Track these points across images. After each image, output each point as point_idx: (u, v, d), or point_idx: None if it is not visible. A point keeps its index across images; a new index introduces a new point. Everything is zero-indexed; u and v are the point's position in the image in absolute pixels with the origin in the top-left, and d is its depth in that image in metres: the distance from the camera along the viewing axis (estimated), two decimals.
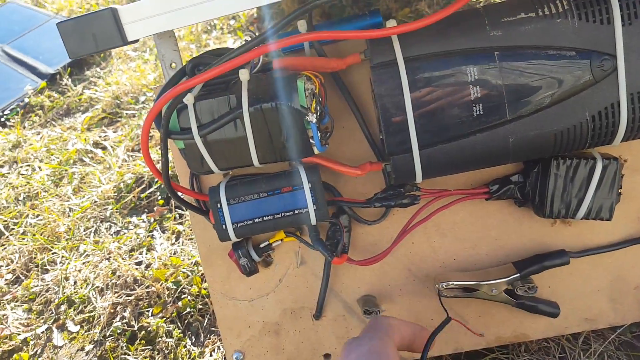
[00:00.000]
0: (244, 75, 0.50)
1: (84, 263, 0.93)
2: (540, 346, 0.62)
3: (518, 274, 0.54)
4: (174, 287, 0.82)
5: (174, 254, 0.88)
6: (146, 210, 1.01)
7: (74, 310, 0.86)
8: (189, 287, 0.82)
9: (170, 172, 0.53)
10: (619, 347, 0.60)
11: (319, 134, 0.51)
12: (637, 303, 0.58)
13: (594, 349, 0.59)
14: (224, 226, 0.55)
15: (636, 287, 0.58)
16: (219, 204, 0.54)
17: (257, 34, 0.53)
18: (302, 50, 0.56)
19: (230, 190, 0.55)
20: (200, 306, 0.79)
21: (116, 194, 1.07)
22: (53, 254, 0.98)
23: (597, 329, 0.60)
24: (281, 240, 0.60)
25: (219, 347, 0.74)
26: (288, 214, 0.55)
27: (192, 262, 0.85)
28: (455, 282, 0.56)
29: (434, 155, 0.49)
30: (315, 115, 0.49)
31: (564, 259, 0.55)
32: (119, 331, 0.79)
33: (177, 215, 0.96)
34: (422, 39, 0.47)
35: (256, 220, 0.55)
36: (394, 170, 0.50)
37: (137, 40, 0.49)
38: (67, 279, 0.92)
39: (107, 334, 0.80)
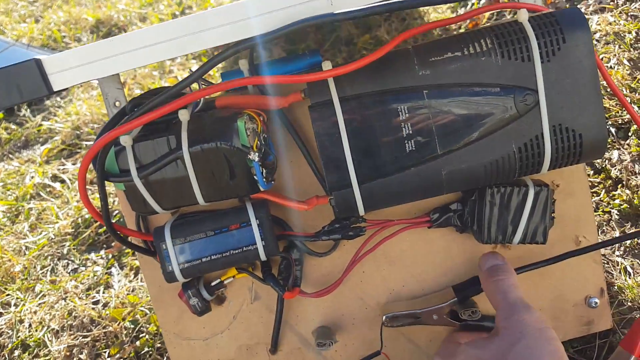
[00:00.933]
0: (183, 115, 0.51)
1: (39, 304, 0.91)
2: None
3: (456, 298, 0.56)
4: (132, 326, 0.81)
5: (132, 291, 0.87)
6: (104, 245, 1.00)
7: (28, 354, 0.83)
8: (147, 326, 0.80)
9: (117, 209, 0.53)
10: None
11: (263, 171, 0.52)
12: (576, 319, 0.61)
13: None
14: (170, 267, 0.55)
15: (575, 305, 0.60)
16: (164, 245, 0.54)
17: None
18: (246, 88, 0.57)
19: (176, 231, 0.55)
20: (159, 345, 0.78)
21: (74, 229, 1.05)
22: (7, 295, 0.96)
23: None
24: (233, 277, 0.60)
25: None
26: (237, 251, 0.55)
27: (150, 300, 0.84)
28: (397, 312, 0.57)
29: (373, 190, 0.51)
30: (257, 153, 0.50)
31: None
32: None
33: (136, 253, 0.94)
34: (356, 80, 0.49)
35: (204, 259, 0.55)
36: (336, 205, 0.52)
37: (65, 89, 0.50)
38: (21, 321, 0.89)
39: None
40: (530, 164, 0.50)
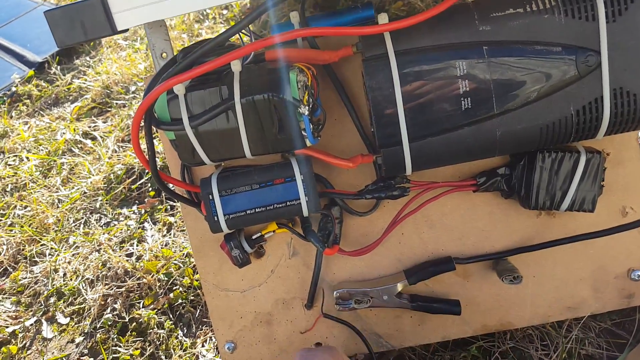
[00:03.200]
0: (236, 66, 0.50)
1: (73, 255, 0.93)
2: (525, 334, 0.63)
3: (406, 280, 0.58)
4: (166, 278, 0.82)
5: (166, 245, 0.88)
6: (137, 201, 1.01)
7: (63, 302, 0.86)
8: (181, 279, 0.82)
9: (161, 163, 0.54)
10: (600, 334, 0.62)
11: (311, 126, 0.51)
12: (617, 292, 0.60)
13: (575, 336, 0.61)
14: (215, 218, 0.55)
15: (616, 277, 0.60)
16: (210, 196, 0.55)
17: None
18: (295, 41, 0.57)
19: (222, 182, 0.55)
20: (192, 297, 0.80)
21: (106, 185, 1.07)
22: (42, 245, 0.98)
23: (579, 317, 0.62)
24: (273, 231, 0.61)
25: (210, 337, 0.75)
26: (280, 205, 0.55)
27: (183, 254, 0.86)
28: (349, 290, 0.59)
29: (423, 148, 0.50)
30: (307, 107, 0.50)
31: (450, 265, 0.58)
32: (109, 323, 0.80)
33: (169, 207, 0.96)
34: (413, 33, 0.48)
35: (248, 211, 0.55)
36: (385, 162, 0.51)
37: (126, 30, 0.49)
38: (56, 270, 0.92)
39: (98, 326, 0.80)
40: (587, 128, 0.49)
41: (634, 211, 0.58)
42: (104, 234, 0.95)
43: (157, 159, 0.99)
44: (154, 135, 0.52)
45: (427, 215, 0.60)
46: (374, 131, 0.50)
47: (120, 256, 0.88)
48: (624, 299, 0.61)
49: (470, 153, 0.51)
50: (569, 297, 0.61)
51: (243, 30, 0.54)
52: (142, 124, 0.51)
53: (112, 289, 0.84)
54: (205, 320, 0.77)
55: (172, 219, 0.93)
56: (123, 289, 0.83)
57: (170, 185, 0.57)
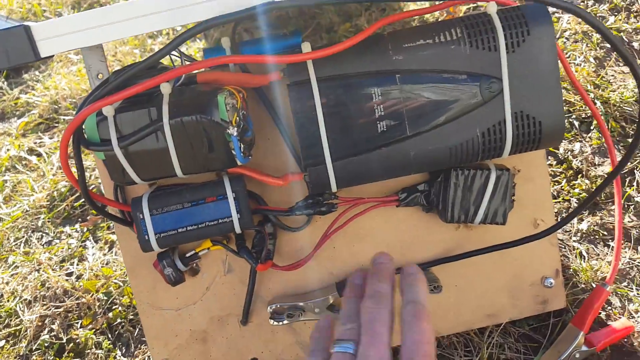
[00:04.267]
0: (165, 89, 0.52)
1: (12, 275, 0.91)
2: (450, 341, 0.67)
3: (337, 292, 0.61)
4: (105, 298, 0.82)
5: (106, 264, 0.88)
6: (80, 219, 1.00)
7: None
8: (120, 298, 0.82)
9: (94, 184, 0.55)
10: (518, 339, 0.67)
11: (242, 146, 0.54)
12: (532, 298, 0.65)
13: (495, 341, 0.65)
14: (146, 237, 0.56)
15: (531, 284, 0.64)
16: (141, 215, 0.56)
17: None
18: (227, 65, 0.59)
19: (153, 201, 0.57)
20: (132, 316, 0.80)
21: (49, 202, 1.05)
22: None
23: (499, 323, 0.66)
24: (208, 249, 0.62)
25: (148, 357, 0.75)
26: (212, 223, 0.57)
27: (124, 273, 0.85)
28: (282, 304, 0.62)
29: (345, 167, 0.53)
30: (236, 128, 0.52)
31: None
32: (46, 344, 0.78)
33: (111, 225, 0.95)
34: (333, 61, 0.52)
35: (180, 230, 0.57)
36: (311, 180, 0.54)
37: (51, 56, 0.51)
38: None
39: (34, 348, 0.78)
40: (492, 148, 0.53)
41: (544, 223, 0.63)
42: (44, 253, 0.94)
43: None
44: (86, 155, 0.53)
45: (357, 229, 0.63)
46: (300, 152, 0.53)
47: (59, 275, 0.87)
48: (539, 305, 0.65)
49: (388, 171, 0.54)
50: (489, 304, 0.65)
51: (174, 52, 0.56)
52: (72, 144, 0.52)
53: (50, 309, 0.83)
54: (144, 339, 0.77)
55: (114, 237, 0.92)
56: (61, 309, 0.82)
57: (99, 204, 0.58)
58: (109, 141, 0.52)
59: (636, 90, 0.91)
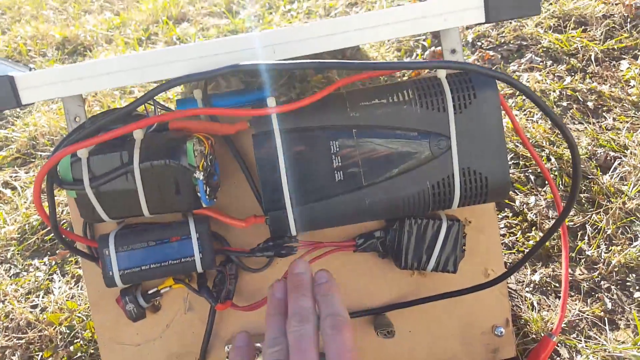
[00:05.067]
0: (137, 134, 0.56)
1: None
2: None
3: None
4: (67, 331, 0.82)
5: (72, 297, 0.88)
6: (49, 252, 1.01)
7: None
8: (83, 332, 0.82)
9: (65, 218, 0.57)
10: None
11: (206, 189, 0.57)
12: (484, 347, 0.67)
13: None
14: (110, 273, 0.58)
15: (482, 333, 0.67)
16: (107, 251, 0.58)
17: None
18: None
19: (119, 239, 0.59)
20: (92, 351, 0.80)
21: (20, 235, 1.06)
22: None
23: None
24: (170, 287, 0.64)
25: None
26: (175, 261, 0.59)
27: (88, 307, 0.86)
28: None
29: (305, 213, 0.56)
30: (202, 173, 0.55)
31: None
32: None
33: (79, 259, 0.96)
34: (296, 114, 0.56)
35: (143, 267, 0.59)
36: (271, 224, 0.57)
37: (32, 103, 0.54)
38: None
39: None
40: (442, 200, 0.57)
41: (494, 272, 0.67)
42: (11, 284, 0.94)
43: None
44: (58, 191, 0.56)
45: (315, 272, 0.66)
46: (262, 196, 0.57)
47: (24, 307, 0.87)
48: (490, 354, 0.68)
49: (345, 218, 0.58)
50: (442, 351, 0.67)
51: (149, 102, 0.60)
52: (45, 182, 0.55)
53: (12, 340, 0.82)
54: None
55: (81, 272, 0.93)
56: (23, 341, 0.82)
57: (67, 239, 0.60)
58: (81, 181, 0.55)
59: (588, 147, 0.97)
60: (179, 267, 0.59)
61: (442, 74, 0.56)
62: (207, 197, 0.57)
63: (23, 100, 0.52)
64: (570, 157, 0.93)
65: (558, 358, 0.71)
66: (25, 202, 1.14)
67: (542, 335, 0.72)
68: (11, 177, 1.27)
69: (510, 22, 1.31)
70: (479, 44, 1.29)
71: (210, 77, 0.51)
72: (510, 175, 0.93)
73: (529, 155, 0.96)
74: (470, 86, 0.56)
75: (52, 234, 1.03)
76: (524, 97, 1.10)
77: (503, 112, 0.57)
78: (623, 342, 0.70)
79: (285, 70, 1.22)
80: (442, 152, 0.56)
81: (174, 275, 0.62)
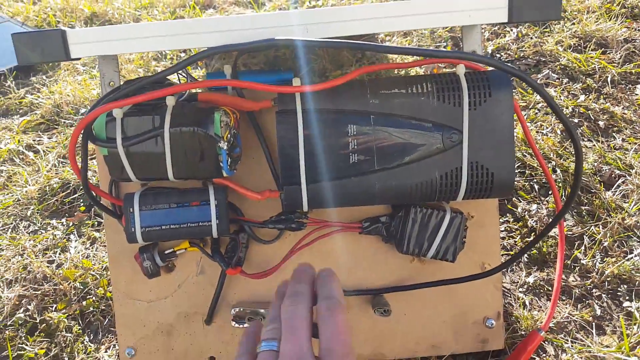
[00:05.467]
0: (170, 101, 0.60)
1: None
2: None
3: None
4: (81, 287, 0.87)
5: (87, 257, 0.93)
6: (67, 214, 1.05)
7: None
8: (96, 289, 0.86)
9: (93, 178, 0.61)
10: None
11: (229, 160, 0.61)
12: (474, 336, 0.71)
13: None
14: (133, 229, 0.62)
15: (474, 323, 0.71)
16: (131, 209, 0.62)
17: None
18: (226, 89, 0.67)
19: (144, 198, 0.63)
20: (104, 307, 0.84)
21: (40, 195, 1.11)
22: None
23: (441, 355, 0.71)
24: (185, 249, 0.68)
25: (114, 345, 0.79)
26: (193, 225, 0.63)
27: (102, 267, 0.90)
28: (245, 309, 0.67)
29: (318, 190, 0.60)
30: (226, 143, 0.59)
31: None
32: (20, 322, 0.82)
33: (96, 223, 1.01)
34: (318, 97, 0.59)
35: (163, 227, 0.63)
36: (285, 198, 0.61)
37: (79, 58, 0.58)
38: None
39: (8, 324, 0.82)
40: (448, 191, 0.60)
41: (490, 267, 0.70)
42: (30, 240, 0.98)
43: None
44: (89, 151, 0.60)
45: (322, 249, 0.70)
46: (279, 172, 0.60)
47: (41, 262, 0.92)
48: (479, 343, 0.71)
49: (355, 199, 0.61)
50: (434, 335, 0.70)
51: (181, 72, 0.64)
52: (81, 138, 0.59)
53: (28, 290, 0.87)
54: (112, 329, 0.81)
55: (97, 234, 0.98)
56: (39, 292, 0.86)
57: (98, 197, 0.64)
58: (114, 140, 0.59)
59: (595, 164, 1.00)
60: (196, 230, 0.63)
61: (461, 70, 0.60)
62: (228, 167, 0.60)
63: (72, 54, 0.57)
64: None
65: (544, 354, 0.74)
66: (47, 165, 1.19)
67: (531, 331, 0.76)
68: (34, 141, 1.32)
69: (531, 38, 1.34)
70: (498, 55, 1.32)
71: (246, 49, 0.54)
72: (516, 182, 0.97)
73: (535, 165, 0.99)
74: (487, 85, 0.59)
75: (71, 197, 1.08)
76: (536, 110, 1.13)
77: (515, 118, 0.60)
78: (608, 346, 0.73)
79: (308, 58, 1.26)
80: (453, 145, 0.59)
81: (191, 237, 0.66)
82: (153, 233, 0.63)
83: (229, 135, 0.60)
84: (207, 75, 0.67)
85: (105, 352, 0.79)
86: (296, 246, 0.67)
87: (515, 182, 0.98)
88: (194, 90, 0.65)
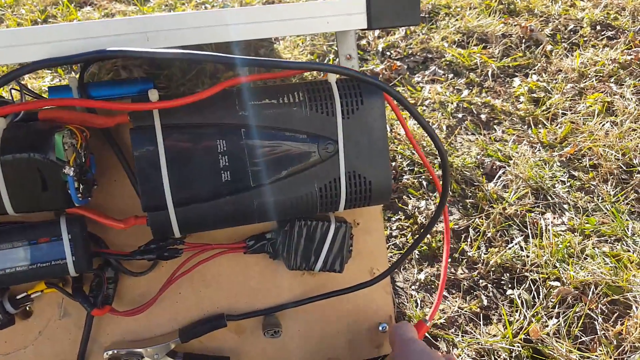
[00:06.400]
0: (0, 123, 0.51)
1: None
2: None
3: (179, 338, 0.62)
4: None
5: None
6: None
7: None
8: None
9: None
10: None
11: (79, 187, 0.53)
12: (369, 342, 0.70)
13: None
14: None
15: (368, 329, 0.69)
16: None
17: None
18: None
19: None
20: None
21: None
22: None
23: None
24: (41, 291, 0.59)
25: None
26: (44, 264, 0.55)
27: None
28: (119, 350, 0.61)
29: (189, 213, 0.54)
30: (72, 168, 0.51)
31: (221, 322, 0.63)
32: None
33: None
34: (181, 110, 0.54)
35: (7, 270, 0.54)
36: (152, 225, 0.55)
37: None
38: None
39: None
40: (329, 202, 0.58)
41: (379, 271, 0.69)
42: None
43: None
44: None
45: (204, 274, 0.64)
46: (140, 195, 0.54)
47: None
48: (374, 349, 0.70)
49: (232, 219, 0.57)
50: (330, 348, 0.68)
51: (15, 86, 0.55)
52: None
53: None
54: None
55: None
56: None
57: None
58: None
59: (477, 157, 1.04)
60: (49, 270, 0.55)
61: (332, 78, 0.57)
62: (79, 195, 0.53)
63: None
64: (459, 165, 0.99)
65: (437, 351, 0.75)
66: None
67: None
68: None
69: (419, 35, 1.38)
70: (388, 53, 1.34)
71: (74, 61, 0.47)
72: (405, 180, 0.98)
73: (421, 162, 1.01)
74: (358, 92, 0.57)
75: None
76: (423, 107, 1.16)
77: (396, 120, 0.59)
78: (495, 336, 0.76)
79: (193, 64, 1.18)
80: (330, 156, 0.57)
81: (45, 279, 0.57)
82: None
83: (76, 159, 0.52)
84: (50, 89, 0.58)
85: None
86: (173, 275, 0.61)
87: (405, 180, 0.99)
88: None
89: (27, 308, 0.61)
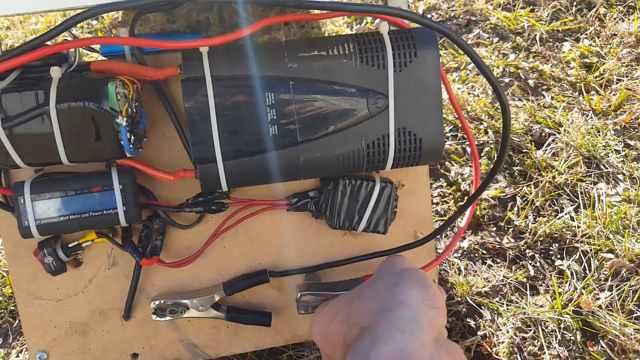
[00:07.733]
0: (55, 72, 0.51)
1: None
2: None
3: (223, 291, 0.62)
4: None
5: None
6: None
7: None
8: (2, 288, 0.77)
9: None
10: None
11: (130, 138, 0.53)
12: None
13: None
14: (26, 222, 0.54)
15: None
16: (22, 199, 0.54)
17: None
18: (123, 55, 0.59)
19: (36, 186, 0.55)
20: (13, 307, 0.76)
21: None
22: None
23: None
24: (92, 240, 0.61)
25: (27, 348, 0.71)
26: (96, 214, 0.56)
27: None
28: (165, 300, 0.62)
29: (236, 167, 0.54)
30: (125, 118, 0.52)
31: (264, 277, 0.63)
32: None
33: None
34: (230, 62, 0.53)
35: (62, 218, 0.55)
36: (201, 178, 0.55)
37: None
38: None
39: None
40: (376, 160, 0.56)
41: (423, 235, 0.68)
42: None
43: None
44: None
45: (248, 230, 0.65)
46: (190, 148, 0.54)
47: None
48: None
49: (279, 175, 0.56)
50: None
51: (67, 34, 0.55)
52: None
53: None
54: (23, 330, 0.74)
55: None
56: None
57: None
58: None
59: (525, 123, 1.00)
60: (101, 219, 0.56)
61: (384, 28, 0.55)
62: (130, 146, 0.53)
63: None
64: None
65: (480, 319, 0.74)
66: None
67: (467, 298, 0.75)
68: None
69: None
70: (429, 16, 1.29)
71: (139, 5, 0.47)
72: (448, 146, 0.95)
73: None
74: (412, 44, 0.54)
75: None
76: (467, 71, 1.12)
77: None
78: (541, 306, 0.74)
79: (231, 27, 1.17)
80: (380, 111, 0.55)
81: (96, 228, 0.58)
82: (50, 226, 0.55)
83: (128, 109, 0.52)
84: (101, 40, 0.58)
85: (17, 356, 0.71)
86: (219, 229, 0.62)
87: (448, 146, 0.96)
88: (86, 60, 0.57)
89: (78, 257, 0.63)
